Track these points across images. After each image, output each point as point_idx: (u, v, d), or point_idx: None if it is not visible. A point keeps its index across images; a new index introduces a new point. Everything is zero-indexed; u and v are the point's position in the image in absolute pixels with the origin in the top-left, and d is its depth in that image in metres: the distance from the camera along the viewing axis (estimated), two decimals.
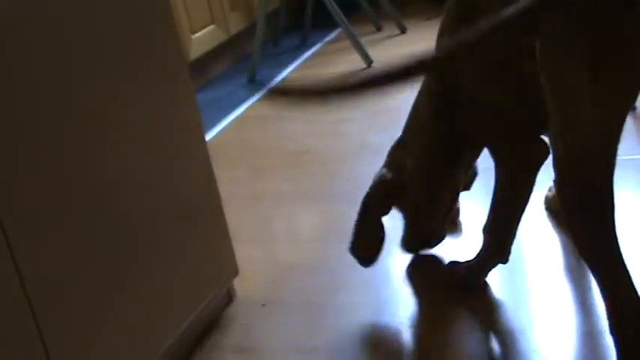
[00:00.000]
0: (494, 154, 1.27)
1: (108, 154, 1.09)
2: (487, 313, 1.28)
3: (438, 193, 1.37)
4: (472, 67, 1.19)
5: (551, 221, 1.53)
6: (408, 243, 1.47)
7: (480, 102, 1.23)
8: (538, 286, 1.33)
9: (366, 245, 1.41)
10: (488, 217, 1.32)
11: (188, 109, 1.29)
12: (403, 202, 1.41)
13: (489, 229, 1.32)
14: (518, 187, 1.27)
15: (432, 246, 1.48)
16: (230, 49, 3.38)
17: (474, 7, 1.17)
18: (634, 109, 1.96)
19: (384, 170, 1.39)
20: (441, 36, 1.27)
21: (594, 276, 0.98)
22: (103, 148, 1.08)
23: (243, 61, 3.38)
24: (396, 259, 1.52)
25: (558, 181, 0.96)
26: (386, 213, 1.40)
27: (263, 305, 1.43)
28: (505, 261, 1.33)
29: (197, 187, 1.31)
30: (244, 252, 1.61)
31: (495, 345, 1.20)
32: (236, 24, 3.23)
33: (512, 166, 1.25)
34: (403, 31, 3.39)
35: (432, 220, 1.42)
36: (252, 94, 2.85)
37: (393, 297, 1.38)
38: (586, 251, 0.96)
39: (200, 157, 1.32)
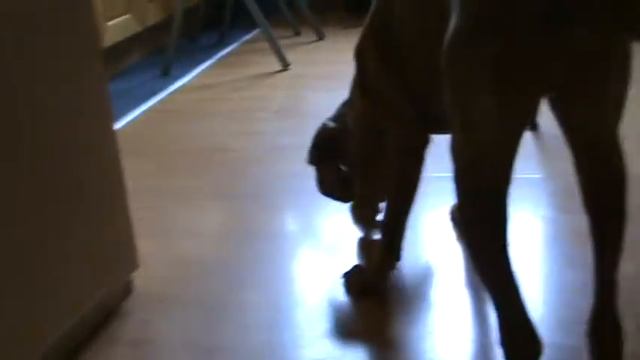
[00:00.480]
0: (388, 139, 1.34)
1: (8, 130, 1.05)
2: (386, 319, 1.30)
3: (371, 159, 1.46)
4: (372, 53, 1.27)
5: (455, 232, 1.56)
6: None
7: (376, 88, 1.31)
8: (438, 295, 1.36)
9: (334, 187, 1.52)
10: (384, 216, 1.36)
11: (98, 95, 1.25)
12: (346, 154, 1.50)
13: (382, 228, 1.36)
14: (401, 174, 1.32)
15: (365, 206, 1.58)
16: (145, 40, 3.31)
17: (389, 23, 1.21)
18: (536, 128, 2.03)
19: (328, 120, 1.51)
20: (361, 46, 1.32)
21: (487, 289, 1.00)
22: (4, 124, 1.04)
23: (157, 54, 3.32)
24: (300, 261, 1.52)
25: (456, 193, 0.98)
26: (331, 153, 1.51)
27: (161, 300, 1.40)
28: (397, 259, 1.37)
29: (102, 175, 1.27)
30: (146, 246, 1.58)
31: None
32: (153, 15, 3.18)
33: (397, 151, 1.31)
34: (321, 37, 3.41)
35: (370, 181, 1.50)
36: (165, 88, 2.81)
37: (296, 297, 1.38)
38: (480, 265, 0.98)
39: (107, 145, 1.28)
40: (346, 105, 1.50)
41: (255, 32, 3.57)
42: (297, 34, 3.52)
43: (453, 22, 0.90)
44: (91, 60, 1.23)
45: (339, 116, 1.51)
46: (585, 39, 0.85)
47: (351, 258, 1.50)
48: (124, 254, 1.35)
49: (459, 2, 0.89)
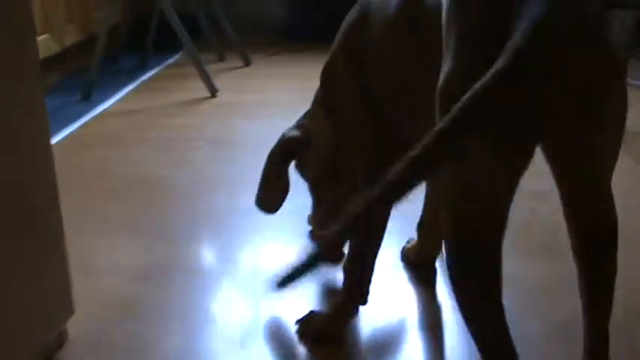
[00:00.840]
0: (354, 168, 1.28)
1: None
2: None
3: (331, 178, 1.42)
4: (341, 68, 1.24)
5: (407, 273, 1.50)
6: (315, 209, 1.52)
7: (342, 106, 1.28)
8: (393, 338, 1.29)
9: (270, 198, 1.43)
10: (348, 254, 1.27)
11: (35, 113, 1.14)
12: (305, 160, 1.45)
13: (348, 266, 1.27)
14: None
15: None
16: (63, 61, 3.15)
17: (364, 43, 1.16)
18: None
19: (288, 130, 1.45)
20: (328, 72, 1.31)
21: (473, 337, 0.94)
22: None
23: (76, 76, 3.16)
24: (225, 302, 1.42)
25: (446, 241, 0.92)
26: (288, 163, 1.42)
27: (95, 350, 1.27)
28: (362, 303, 1.28)
29: (40, 207, 1.14)
30: (74, 286, 1.44)
31: None
32: (71, 36, 3.03)
33: (362, 175, 1.24)
34: (247, 63, 3.33)
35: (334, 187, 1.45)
36: (85, 113, 2.65)
37: (226, 339, 1.29)
38: (471, 318, 0.92)
39: (44, 169, 1.17)
40: (306, 116, 1.45)
41: (178, 56, 3.46)
42: (222, 59, 3.43)
43: (445, 65, 0.88)
44: (29, 74, 1.12)
45: (298, 126, 1.45)
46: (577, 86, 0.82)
47: (284, 297, 1.41)
48: (61, 300, 1.22)
49: (452, 48, 0.87)
